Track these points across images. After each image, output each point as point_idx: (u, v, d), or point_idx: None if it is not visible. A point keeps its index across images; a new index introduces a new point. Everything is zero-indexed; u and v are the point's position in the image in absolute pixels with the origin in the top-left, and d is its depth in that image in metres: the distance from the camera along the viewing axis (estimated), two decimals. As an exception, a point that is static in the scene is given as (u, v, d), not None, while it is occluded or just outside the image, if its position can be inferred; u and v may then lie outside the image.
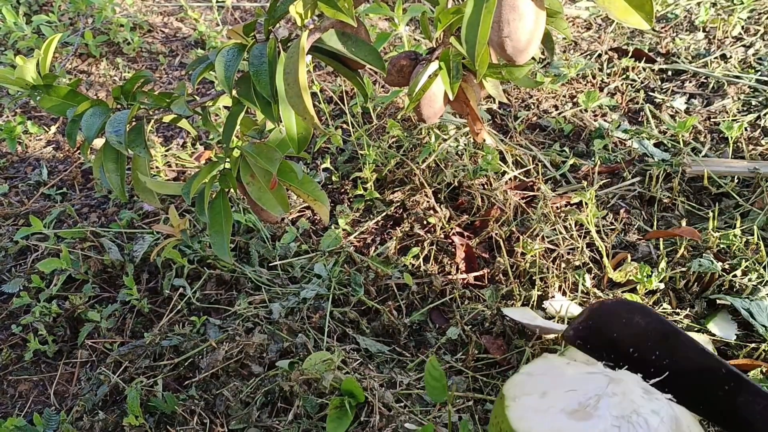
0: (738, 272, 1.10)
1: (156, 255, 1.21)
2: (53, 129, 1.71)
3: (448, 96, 0.82)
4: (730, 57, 1.71)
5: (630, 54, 1.75)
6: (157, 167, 1.51)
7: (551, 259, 1.19)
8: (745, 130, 1.46)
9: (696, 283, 1.12)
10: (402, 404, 0.99)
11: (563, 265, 1.17)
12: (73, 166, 1.59)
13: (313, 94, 1.62)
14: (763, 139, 1.43)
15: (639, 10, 0.54)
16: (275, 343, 1.10)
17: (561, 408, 0.71)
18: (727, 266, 1.12)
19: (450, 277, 1.21)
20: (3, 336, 1.21)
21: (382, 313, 1.14)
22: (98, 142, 0.86)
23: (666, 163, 1.38)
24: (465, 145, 1.42)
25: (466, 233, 1.30)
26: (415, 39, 1.84)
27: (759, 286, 1.08)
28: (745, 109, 1.54)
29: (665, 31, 1.87)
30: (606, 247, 1.20)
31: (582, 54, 1.80)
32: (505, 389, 0.76)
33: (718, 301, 1.09)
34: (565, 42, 1.85)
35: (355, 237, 1.31)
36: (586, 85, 1.68)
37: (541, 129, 1.56)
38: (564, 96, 1.64)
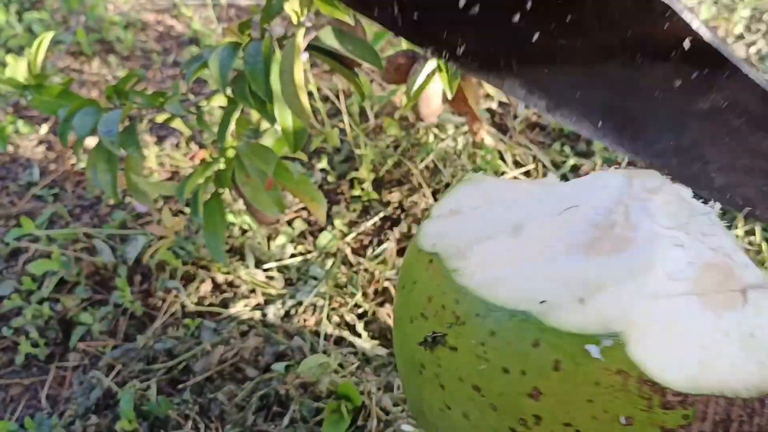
0: (740, 274, 1.09)
1: (149, 257, 1.19)
2: (45, 128, 1.69)
3: (447, 95, 0.81)
4: (730, 56, 1.70)
5: (629, 53, 1.74)
6: (150, 168, 1.50)
7: (551, 260, 1.17)
8: (745, 129, 1.45)
9: (697, 285, 1.11)
10: (400, 408, 0.98)
11: (563, 266, 1.15)
12: (65, 167, 1.57)
13: (309, 93, 1.61)
14: (763, 138, 1.42)
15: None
16: (271, 346, 1.08)
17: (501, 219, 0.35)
18: (728, 267, 1.11)
19: (448, 278, 1.19)
20: (-7, 339, 1.19)
21: (379, 315, 1.12)
22: (92, 142, 0.85)
23: (666, 163, 1.37)
24: (464, 144, 1.41)
25: (464, 234, 1.28)
26: (412, 37, 1.82)
27: (761, 288, 1.07)
28: (744, 108, 1.53)
29: (664, 29, 1.86)
30: (606, 248, 1.18)
31: (580, 53, 1.79)
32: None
33: (719, 303, 1.08)
34: (564, 41, 1.84)
35: (351, 238, 1.29)
36: (584, 84, 1.67)
37: (541, 128, 1.55)
38: (562, 95, 1.63)
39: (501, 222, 0.33)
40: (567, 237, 0.31)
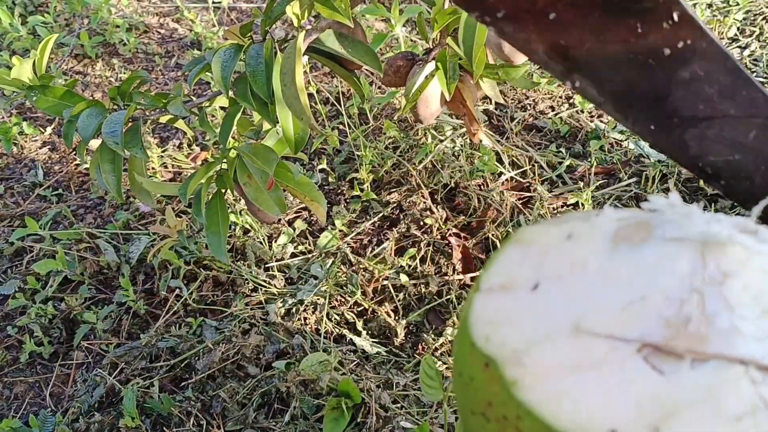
0: (734, 273, 1.10)
1: (152, 256, 1.21)
2: (49, 130, 1.71)
3: (445, 97, 0.82)
4: (726, 58, 1.71)
5: (626, 55, 1.76)
6: (153, 168, 1.51)
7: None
8: (741, 131, 1.46)
9: (692, 284, 1.12)
10: (399, 405, 0.99)
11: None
12: (69, 168, 1.59)
13: (310, 95, 1.62)
14: (758, 140, 1.44)
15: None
16: (272, 344, 1.10)
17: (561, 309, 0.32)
18: (722, 267, 1.13)
19: (447, 277, 1.21)
20: (-2, 337, 1.20)
21: (378, 314, 1.14)
22: (95, 143, 0.87)
23: (662, 163, 1.39)
24: (461, 146, 1.42)
25: (462, 234, 1.30)
26: (411, 40, 1.84)
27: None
28: (740, 110, 1.54)
29: (661, 32, 1.88)
30: (602, 247, 1.20)
31: (578, 55, 1.80)
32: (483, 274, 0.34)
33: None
34: (562, 43, 1.86)
35: (351, 238, 1.31)
36: (582, 86, 1.68)
37: (538, 130, 1.56)
38: (560, 97, 1.65)
39: (558, 316, 0.30)
40: (635, 337, 0.28)
